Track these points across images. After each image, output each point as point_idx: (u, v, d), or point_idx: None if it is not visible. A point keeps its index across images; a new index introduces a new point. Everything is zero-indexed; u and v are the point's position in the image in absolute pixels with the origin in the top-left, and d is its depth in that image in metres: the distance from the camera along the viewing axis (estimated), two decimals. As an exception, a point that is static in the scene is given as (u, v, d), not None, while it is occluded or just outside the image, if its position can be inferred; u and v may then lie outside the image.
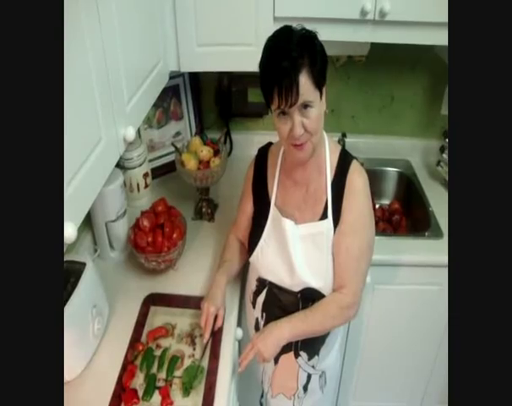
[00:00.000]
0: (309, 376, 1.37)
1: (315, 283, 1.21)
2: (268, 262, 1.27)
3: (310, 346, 1.30)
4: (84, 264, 1.32)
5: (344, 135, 1.98)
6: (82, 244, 1.62)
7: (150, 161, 1.98)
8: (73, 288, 1.23)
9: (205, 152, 1.67)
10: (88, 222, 1.65)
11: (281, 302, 1.28)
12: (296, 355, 1.31)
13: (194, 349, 1.31)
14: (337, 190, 1.18)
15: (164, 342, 1.34)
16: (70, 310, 1.19)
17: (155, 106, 1.97)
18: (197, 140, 1.72)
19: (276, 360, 1.35)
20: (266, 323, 1.32)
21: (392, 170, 2.11)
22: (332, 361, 1.43)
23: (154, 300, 1.48)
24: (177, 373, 1.26)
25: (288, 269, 1.23)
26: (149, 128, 2.01)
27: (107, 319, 1.42)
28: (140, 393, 1.22)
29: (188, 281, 1.55)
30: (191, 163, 1.65)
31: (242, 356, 1.22)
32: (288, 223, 1.22)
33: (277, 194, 1.27)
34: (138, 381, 1.25)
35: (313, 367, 1.35)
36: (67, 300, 1.19)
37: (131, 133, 1.16)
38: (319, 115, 1.07)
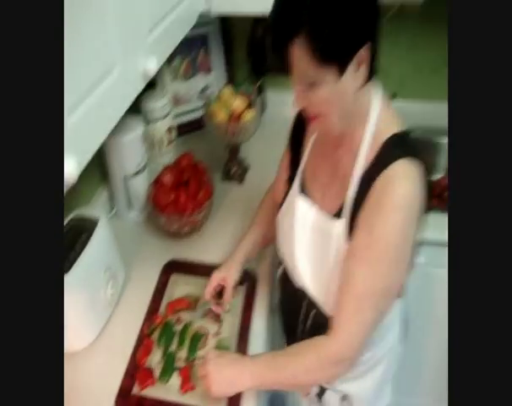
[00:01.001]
0: (322, 389, 1.05)
1: (313, 290, 0.93)
2: (279, 237, 1.04)
3: None
4: (96, 220, 1.11)
5: (394, 96, 1.71)
6: (97, 202, 1.41)
7: (175, 117, 1.76)
8: (84, 246, 1.03)
9: (238, 103, 1.43)
10: (105, 179, 1.44)
11: (289, 290, 1.04)
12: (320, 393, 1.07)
13: (221, 327, 1.10)
14: (362, 190, 0.80)
15: (185, 317, 1.14)
16: (79, 271, 0.99)
17: (182, 55, 1.75)
18: (229, 90, 1.49)
19: None
20: (282, 306, 1.12)
21: (444, 141, 1.83)
22: (366, 386, 1.04)
23: (175, 267, 1.28)
24: (201, 353, 1.06)
25: (289, 254, 0.98)
26: (174, 80, 1.78)
27: (122, 285, 1.23)
28: (157, 373, 1.03)
29: (215, 248, 1.33)
30: (221, 115, 1.43)
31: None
32: (302, 201, 0.93)
33: (306, 164, 0.97)
34: (155, 359, 1.06)
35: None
36: (75, 260, 0.99)
37: (153, 64, 0.94)
38: (330, 96, 0.75)
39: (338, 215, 0.85)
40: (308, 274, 0.93)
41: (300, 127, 0.99)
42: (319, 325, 0.91)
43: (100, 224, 1.10)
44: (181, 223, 1.30)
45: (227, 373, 0.90)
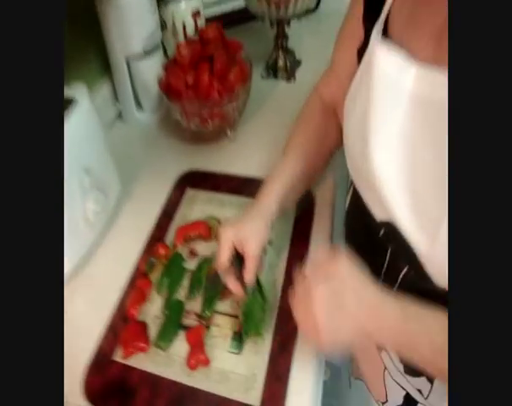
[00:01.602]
0: (408, 398, 0.64)
1: (409, 224, 0.45)
2: (349, 139, 0.55)
3: None
4: (70, 100, 0.71)
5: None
6: (97, 96, 1.01)
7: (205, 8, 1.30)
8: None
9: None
10: (107, 68, 1.03)
11: (363, 228, 0.59)
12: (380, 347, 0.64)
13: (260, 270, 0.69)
14: None
15: (203, 249, 0.74)
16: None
17: None
18: None
19: None
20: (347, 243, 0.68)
21: None
22: None
23: (193, 180, 0.87)
24: (223, 307, 0.66)
25: (366, 162, 0.48)
26: None
27: (116, 203, 0.83)
28: (153, 332, 0.63)
29: (250, 160, 0.91)
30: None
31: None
32: (393, 60, 0.45)
33: (395, 4, 0.48)
34: (152, 310, 0.67)
35: (419, 392, 0.61)
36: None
37: None
38: None
39: None
40: (401, 194, 0.46)
41: None
42: (416, 291, 0.47)
43: (77, 106, 0.70)
44: (203, 116, 0.88)
45: (346, 318, 0.48)
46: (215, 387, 0.57)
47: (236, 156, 0.94)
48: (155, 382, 0.59)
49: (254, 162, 0.90)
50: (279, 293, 0.66)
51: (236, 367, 0.59)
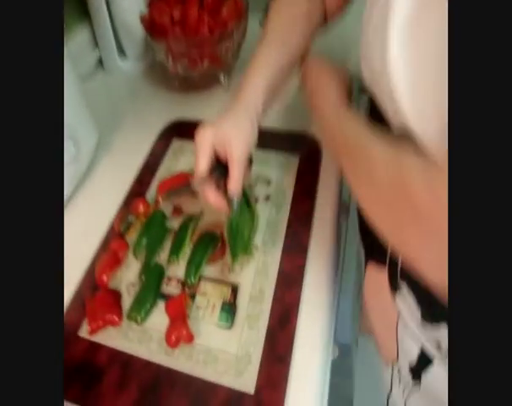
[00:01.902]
0: (423, 355, 0.50)
1: (418, 128, 0.34)
2: (367, 45, 0.43)
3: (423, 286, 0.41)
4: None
5: None
6: (73, 41, 0.88)
7: None
8: None
9: None
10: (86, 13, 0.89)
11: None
12: (394, 284, 0.50)
13: (254, 220, 0.57)
14: None
15: (190, 204, 0.62)
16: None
17: None
18: None
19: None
20: None
21: None
22: None
23: (181, 130, 0.75)
24: (211, 272, 0.54)
25: (381, 60, 0.37)
26: None
27: (92, 155, 0.71)
28: (126, 303, 0.52)
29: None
30: None
31: None
32: None
33: None
34: (127, 277, 0.55)
35: (437, 345, 0.48)
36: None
37: None
38: None
39: None
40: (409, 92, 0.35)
41: None
42: None
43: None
44: (193, 57, 0.75)
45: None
46: (199, 370, 0.46)
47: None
48: (126, 362, 0.48)
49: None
50: (278, 256, 0.54)
51: (225, 345, 0.48)
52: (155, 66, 0.92)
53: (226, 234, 0.53)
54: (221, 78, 0.83)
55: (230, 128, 0.48)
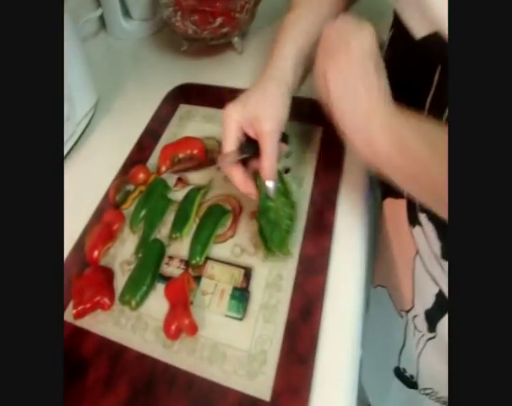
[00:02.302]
0: (440, 299, 0.48)
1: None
2: None
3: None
4: None
5: None
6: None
7: None
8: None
9: None
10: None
11: (405, 54, 0.44)
12: (412, 217, 0.48)
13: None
14: None
15: (195, 176, 0.53)
16: None
17: None
18: None
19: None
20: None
21: None
22: None
23: (189, 94, 0.66)
24: (219, 251, 0.45)
25: None
26: None
27: (90, 117, 0.63)
28: (119, 284, 0.44)
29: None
30: None
31: None
32: None
33: None
34: (122, 254, 0.47)
35: None
36: None
37: None
38: None
39: None
40: None
41: None
42: None
43: None
44: (204, 13, 0.66)
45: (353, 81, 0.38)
46: (203, 367, 0.38)
47: (245, 73, 0.72)
48: (116, 354, 0.40)
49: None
50: (300, 236, 0.46)
51: (235, 340, 0.39)
52: (163, 30, 0.83)
53: (256, 228, 0.45)
54: (235, 41, 0.74)
55: (257, 102, 0.42)
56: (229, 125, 0.42)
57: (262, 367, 0.37)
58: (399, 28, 0.42)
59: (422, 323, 0.51)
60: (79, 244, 0.48)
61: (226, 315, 0.41)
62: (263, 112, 0.42)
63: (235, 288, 0.43)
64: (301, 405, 0.35)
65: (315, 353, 0.38)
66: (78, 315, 0.42)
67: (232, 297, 0.42)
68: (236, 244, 0.46)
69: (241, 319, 0.40)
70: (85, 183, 0.56)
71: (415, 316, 0.52)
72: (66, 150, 0.60)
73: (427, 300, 0.49)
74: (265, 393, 0.35)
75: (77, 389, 0.38)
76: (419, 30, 0.39)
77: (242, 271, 0.44)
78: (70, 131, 0.59)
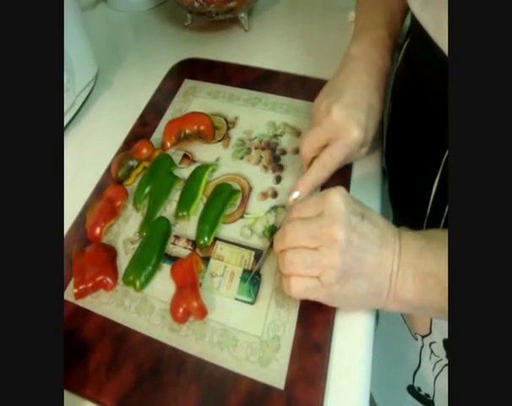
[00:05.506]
0: None
1: None
2: None
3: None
4: None
5: None
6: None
7: None
8: None
9: None
10: None
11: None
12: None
13: (279, 181, 0.45)
14: None
15: (202, 153, 0.49)
16: None
17: None
18: None
19: None
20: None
21: None
22: None
23: (194, 69, 0.61)
24: (228, 232, 0.42)
25: None
26: None
27: (90, 90, 0.59)
28: (123, 263, 0.40)
29: (267, 53, 0.66)
30: None
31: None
32: None
33: None
34: (125, 231, 0.43)
35: None
36: None
37: None
38: None
39: None
40: None
41: None
42: None
43: None
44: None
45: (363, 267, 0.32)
46: (212, 353, 0.35)
47: (251, 49, 0.68)
48: (120, 337, 0.36)
49: (273, 57, 0.64)
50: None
51: (247, 325, 0.36)
52: (165, 3, 0.78)
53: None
54: (241, 16, 0.70)
55: (341, 118, 0.38)
56: (307, 160, 0.41)
57: (275, 354, 0.34)
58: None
59: (440, 350, 0.48)
60: (80, 220, 0.45)
61: (236, 299, 0.38)
62: (342, 132, 0.39)
63: (245, 270, 0.39)
64: (316, 394, 0.32)
65: (331, 341, 0.35)
66: (80, 295, 0.39)
67: (242, 280, 0.39)
68: (245, 225, 0.43)
69: (252, 303, 0.37)
70: (86, 157, 0.52)
71: (432, 342, 0.48)
72: (65, 122, 0.55)
73: (444, 330, 0.46)
74: (279, 381, 0.33)
75: (79, 373, 0.34)
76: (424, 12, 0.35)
77: (253, 253, 0.40)
78: (70, 102, 0.55)
